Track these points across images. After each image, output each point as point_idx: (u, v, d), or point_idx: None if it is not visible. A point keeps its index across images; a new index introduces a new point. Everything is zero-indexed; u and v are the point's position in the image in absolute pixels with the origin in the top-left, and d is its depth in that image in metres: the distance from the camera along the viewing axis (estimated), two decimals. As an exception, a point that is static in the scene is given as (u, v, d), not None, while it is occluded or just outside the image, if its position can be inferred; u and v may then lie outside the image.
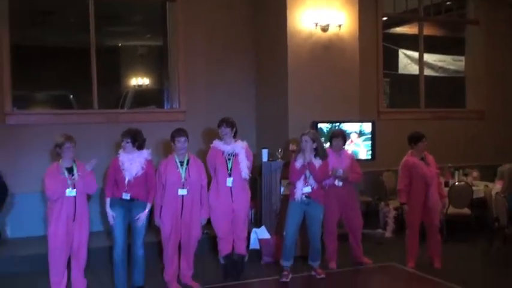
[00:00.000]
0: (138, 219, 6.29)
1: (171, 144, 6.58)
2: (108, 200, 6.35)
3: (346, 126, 8.58)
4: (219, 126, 6.89)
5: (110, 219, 6.35)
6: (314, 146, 6.75)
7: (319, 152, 6.78)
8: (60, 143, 6.02)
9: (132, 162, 6.26)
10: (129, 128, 6.40)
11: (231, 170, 6.78)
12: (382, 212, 9.25)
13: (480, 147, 11.05)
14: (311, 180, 6.77)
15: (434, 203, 7.20)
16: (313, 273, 7.04)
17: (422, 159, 7.25)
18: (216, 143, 6.91)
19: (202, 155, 7.32)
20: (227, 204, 6.78)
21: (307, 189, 6.78)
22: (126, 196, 6.26)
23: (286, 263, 6.91)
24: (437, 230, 7.36)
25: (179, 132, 6.53)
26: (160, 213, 6.47)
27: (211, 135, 8.43)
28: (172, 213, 6.43)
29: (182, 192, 6.41)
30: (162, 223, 6.47)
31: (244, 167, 6.82)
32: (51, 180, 5.98)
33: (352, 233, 7.43)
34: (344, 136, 7.45)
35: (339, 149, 7.30)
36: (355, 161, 7.52)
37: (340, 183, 7.21)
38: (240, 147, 6.88)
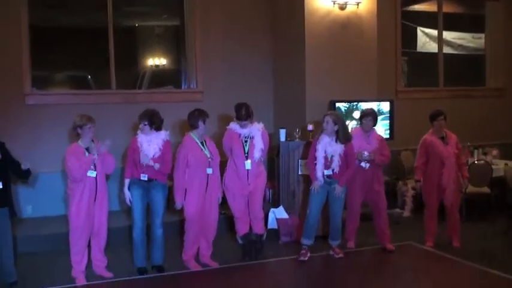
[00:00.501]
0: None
1: (197, 125, 6.51)
2: (127, 181, 6.40)
3: (364, 106, 8.53)
4: (239, 119, 6.75)
5: (127, 200, 6.41)
6: (335, 128, 6.70)
7: (340, 135, 6.70)
8: (82, 124, 6.08)
9: (150, 144, 6.29)
10: (146, 110, 6.41)
11: (247, 153, 6.77)
12: (400, 191, 9.24)
13: (500, 125, 10.95)
14: (334, 164, 6.74)
15: (450, 183, 7.14)
16: (331, 252, 7.07)
17: (443, 138, 7.20)
18: (233, 126, 6.86)
19: (219, 136, 7.33)
20: (244, 186, 6.78)
21: (328, 172, 6.77)
22: (144, 177, 6.30)
23: (307, 241, 6.95)
24: (455, 210, 7.33)
25: (206, 114, 6.54)
26: (184, 195, 6.48)
27: (228, 118, 8.45)
28: (198, 193, 6.46)
29: (209, 171, 6.46)
30: (188, 204, 6.47)
31: (258, 151, 6.78)
32: (75, 160, 6.03)
33: (377, 215, 7.32)
34: (375, 115, 7.23)
35: (369, 129, 7.15)
36: (384, 142, 7.30)
37: (367, 166, 7.08)
38: (256, 129, 6.83)
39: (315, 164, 6.77)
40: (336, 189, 6.79)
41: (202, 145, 6.52)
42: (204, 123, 6.51)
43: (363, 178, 7.13)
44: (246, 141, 6.78)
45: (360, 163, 7.05)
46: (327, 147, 6.73)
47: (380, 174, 7.32)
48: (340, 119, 6.80)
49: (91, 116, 6.18)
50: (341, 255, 7.02)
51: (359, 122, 7.39)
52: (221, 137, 7.03)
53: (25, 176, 6.35)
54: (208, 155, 6.47)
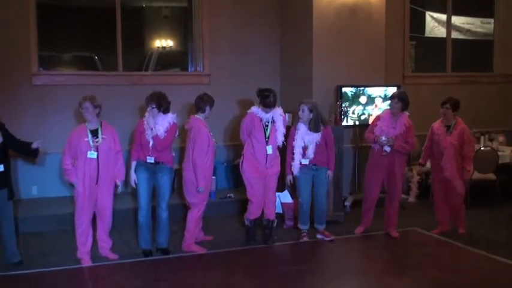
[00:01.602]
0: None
1: (204, 109, 6.61)
2: (133, 164, 6.41)
3: (371, 91, 8.51)
4: (266, 105, 6.73)
5: (132, 183, 6.43)
6: (311, 116, 6.73)
7: (311, 124, 6.75)
8: (80, 102, 6.08)
9: (156, 126, 6.28)
10: (153, 92, 6.40)
11: (268, 137, 6.75)
12: (406, 177, 9.22)
13: (507, 111, 10.90)
14: (308, 153, 6.79)
15: (453, 173, 7.07)
16: (318, 236, 7.12)
17: (449, 127, 7.11)
18: (255, 109, 6.80)
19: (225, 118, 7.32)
20: (262, 170, 6.77)
21: (305, 161, 6.82)
22: (150, 159, 6.31)
23: (304, 226, 7.10)
24: (458, 198, 7.22)
25: (213, 100, 6.70)
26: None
27: (237, 101, 8.49)
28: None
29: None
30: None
31: (281, 135, 6.81)
32: (71, 142, 6.12)
33: (388, 201, 7.28)
34: (402, 98, 6.96)
35: (396, 112, 6.98)
36: (411, 128, 7.00)
37: (388, 149, 6.96)
38: (278, 114, 6.83)
39: (293, 154, 6.84)
40: (328, 176, 6.90)
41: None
42: (210, 108, 6.60)
43: (383, 162, 7.05)
44: (266, 126, 6.77)
45: (383, 147, 7.01)
46: (304, 136, 6.79)
47: (401, 161, 7.15)
48: (314, 107, 6.78)
49: (93, 96, 6.16)
50: (332, 237, 7.05)
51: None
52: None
53: (33, 154, 6.38)
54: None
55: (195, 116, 6.64)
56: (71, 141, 6.15)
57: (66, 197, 8.03)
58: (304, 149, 6.81)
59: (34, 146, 6.20)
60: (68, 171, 6.18)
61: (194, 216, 6.64)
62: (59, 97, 8.44)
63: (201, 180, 6.46)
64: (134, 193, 6.85)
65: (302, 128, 6.81)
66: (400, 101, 6.95)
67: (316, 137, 6.78)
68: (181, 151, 7.52)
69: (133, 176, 6.41)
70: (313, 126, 6.75)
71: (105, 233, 6.37)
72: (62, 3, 10.07)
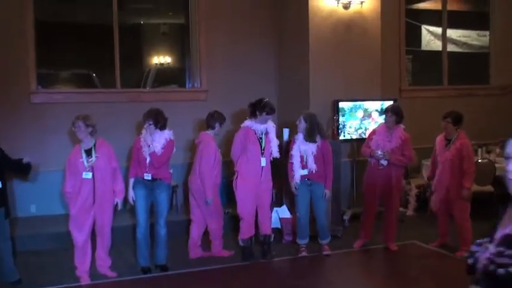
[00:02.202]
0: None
1: (214, 126, 6.83)
2: (131, 181, 6.44)
3: (368, 105, 8.55)
4: (268, 113, 6.78)
5: (130, 200, 6.45)
6: (306, 126, 6.77)
7: (306, 134, 6.77)
8: (73, 121, 6.10)
9: (154, 143, 6.31)
10: (150, 109, 6.44)
11: (263, 149, 6.79)
12: (404, 190, 9.22)
13: (504, 123, 10.92)
14: (309, 164, 6.80)
15: (450, 189, 6.94)
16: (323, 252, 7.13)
17: (450, 140, 7.00)
18: (249, 123, 6.82)
19: (221, 134, 7.35)
20: (257, 184, 6.80)
21: (304, 172, 6.83)
22: (148, 176, 6.34)
23: (302, 241, 7.09)
24: (459, 217, 7.02)
25: (224, 118, 6.94)
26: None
27: (235, 116, 8.50)
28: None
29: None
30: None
31: (275, 146, 6.88)
32: (70, 165, 6.15)
33: (386, 214, 7.29)
34: (396, 112, 7.02)
35: (391, 125, 7.02)
36: (408, 141, 7.04)
37: (385, 163, 7.00)
38: (271, 125, 6.91)
39: (292, 163, 6.88)
40: (325, 194, 6.87)
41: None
42: (220, 126, 6.80)
43: (380, 176, 7.05)
44: (261, 138, 6.81)
45: (379, 160, 7.03)
46: (301, 146, 6.83)
47: (398, 175, 7.16)
48: (310, 117, 6.81)
49: (84, 115, 6.14)
50: (328, 252, 7.05)
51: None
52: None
53: (25, 170, 6.40)
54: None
55: (206, 132, 6.80)
56: (69, 163, 6.17)
57: (65, 214, 8.00)
58: (302, 158, 6.82)
59: (25, 160, 6.23)
60: (69, 195, 6.19)
61: (213, 228, 6.91)
62: (57, 115, 8.46)
63: (209, 192, 6.57)
64: (132, 210, 6.86)
65: (299, 138, 6.86)
66: (393, 115, 6.99)
67: (312, 147, 6.79)
68: (190, 167, 7.57)
69: (131, 193, 6.43)
70: (308, 136, 6.78)
71: (104, 251, 6.37)
72: (60, 21, 10.13)
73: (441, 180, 7.03)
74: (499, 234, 2.29)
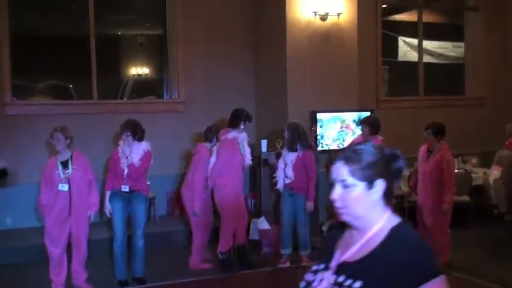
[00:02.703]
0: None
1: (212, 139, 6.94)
2: (107, 193, 6.39)
3: (345, 116, 8.59)
4: (246, 121, 6.86)
5: (107, 212, 6.40)
6: (287, 136, 6.85)
7: (287, 143, 6.87)
8: (51, 133, 6.05)
9: (132, 154, 6.28)
10: (127, 120, 6.40)
11: (243, 159, 6.89)
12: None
13: (480, 134, 11.04)
14: (287, 172, 6.85)
15: (426, 201, 6.88)
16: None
17: (431, 151, 6.90)
18: (234, 134, 6.78)
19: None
20: (241, 192, 6.95)
21: (288, 180, 6.89)
22: (125, 188, 6.29)
23: (284, 251, 7.08)
24: (435, 231, 6.85)
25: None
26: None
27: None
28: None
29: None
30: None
31: (249, 154, 6.98)
32: (45, 177, 6.09)
33: None
34: (370, 123, 7.12)
35: (366, 136, 7.01)
36: None
37: None
38: (245, 134, 7.01)
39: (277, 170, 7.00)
40: (307, 206, 6.86)
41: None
42: (217, 140, 6.88)
43: None
44: (240, 149, 6.89)
45: None
46: (284, 155, 6.93)
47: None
48: (291, 127, 6.88)
49: (61, 126, 6.10)
50: (306, 263, 6.99)
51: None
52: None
53: (1, 175, 6.33)
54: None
55: (203, 144, 6.94)
56: (45, 175, 6.11)
57: (41, 227, 7.92)
58: (285, 167, 6.90)
59: (0, 165, 6.16)
60: (44, 207, 6.12)
61: (196, 241, 6.94)
62: (33, 127, 8.37)
63: (198, 204, 6.63)
64: (109, 222, 6.80)
65: (284, 148, 6.97)
66: (367, 126, 7.07)
67: (292, 156, 6.83)
68: (168, 179, 7.56)
69: (108, 206, 6.38)
70: (288, 145, 6.86)
71: (80, 264, 6.29)
72: (35, 33, 10.04)
73: (421, 193, 7.00)
74: (334, 262, 2.16)
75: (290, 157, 6.86)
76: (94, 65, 8.89)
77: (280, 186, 6.96)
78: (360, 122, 7.27)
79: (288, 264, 7.00)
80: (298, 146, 6.84)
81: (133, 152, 6.31)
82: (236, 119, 6.80)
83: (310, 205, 6.87)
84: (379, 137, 7.11)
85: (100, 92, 9.04)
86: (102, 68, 9.12)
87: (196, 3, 9.34)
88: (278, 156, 7.33)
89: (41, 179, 6.17)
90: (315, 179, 6.94)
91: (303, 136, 6.97)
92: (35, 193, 8.04)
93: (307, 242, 7.11)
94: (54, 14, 10.12)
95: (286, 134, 6.88)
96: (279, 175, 6.95)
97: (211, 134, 6.96)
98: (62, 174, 6.01)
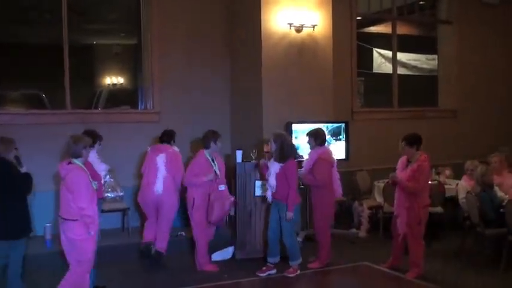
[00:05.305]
0: None
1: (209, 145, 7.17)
2: None
3: (321, 127, 8.59)
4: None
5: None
6: (275, 147, 6.89)
7: (274, 153, 6.91)
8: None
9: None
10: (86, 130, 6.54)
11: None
12: (356, 211, 9.29)
13: (453, 145, 11.15)
14: (271, 181, 6.92)
15: (400, 210, 6.94)
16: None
17: (410, 161, 6.90)
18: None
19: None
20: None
21: (272, 190, 6.98)
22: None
23: (271, 259, 7.11)
24: (409, 241, 6.93)
25: (219, 134, 7.29)
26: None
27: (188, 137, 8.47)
28: None
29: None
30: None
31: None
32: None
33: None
34: (315, 135, 7.30)
35: (312, 148, 7.28)
36: (319, 162, 7.16)
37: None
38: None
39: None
40: (286, 215, 6.85)
41: (213, 161, 7.19)
42: (215, 143, 7.17)
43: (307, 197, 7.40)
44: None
45: None
46: (271, 166, 6.97)
47: (316, 195, 7.31)
48: (278, 138, 6.93)
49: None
50: (290, 275, 6.99)
51: None
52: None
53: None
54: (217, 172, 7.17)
55: (203, 150, 7.20)
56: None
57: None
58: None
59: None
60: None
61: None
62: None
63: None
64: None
65: (272, 158, 6.99)
66: (311, 137, 7.30)
67: (275, 166, 6.89)
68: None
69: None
70: (276, 156, 6.90)
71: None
72: (7, 41, 9.95)
73: (396, 202, 7.04)
74: None
75: (275, 167, 6.89)
76: (67, 74, 8.78)
77: (269, 197, 7.04)
78: (306, 135, 7.39)
79: (272, 271, 7.05)
80: (287, 157, 6.89)
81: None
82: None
83: (289, 215, 6.83)
84: (326, 148, 7.40)
85: (74, 102, 8.93)
86: (76, 77, 9.05)
87: (171, 13, 9.31)
88: (257, 166, 7.42)
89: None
90: (295, 188, 6.94)
91: (292, 147, 7.12)
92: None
93: (294, 251, 7.06)
94: (27, 22, 10.04)
95: (273, 146, 6.89)
96: (269, 183, 6.99)
97: (207, 140, 7.20)
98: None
